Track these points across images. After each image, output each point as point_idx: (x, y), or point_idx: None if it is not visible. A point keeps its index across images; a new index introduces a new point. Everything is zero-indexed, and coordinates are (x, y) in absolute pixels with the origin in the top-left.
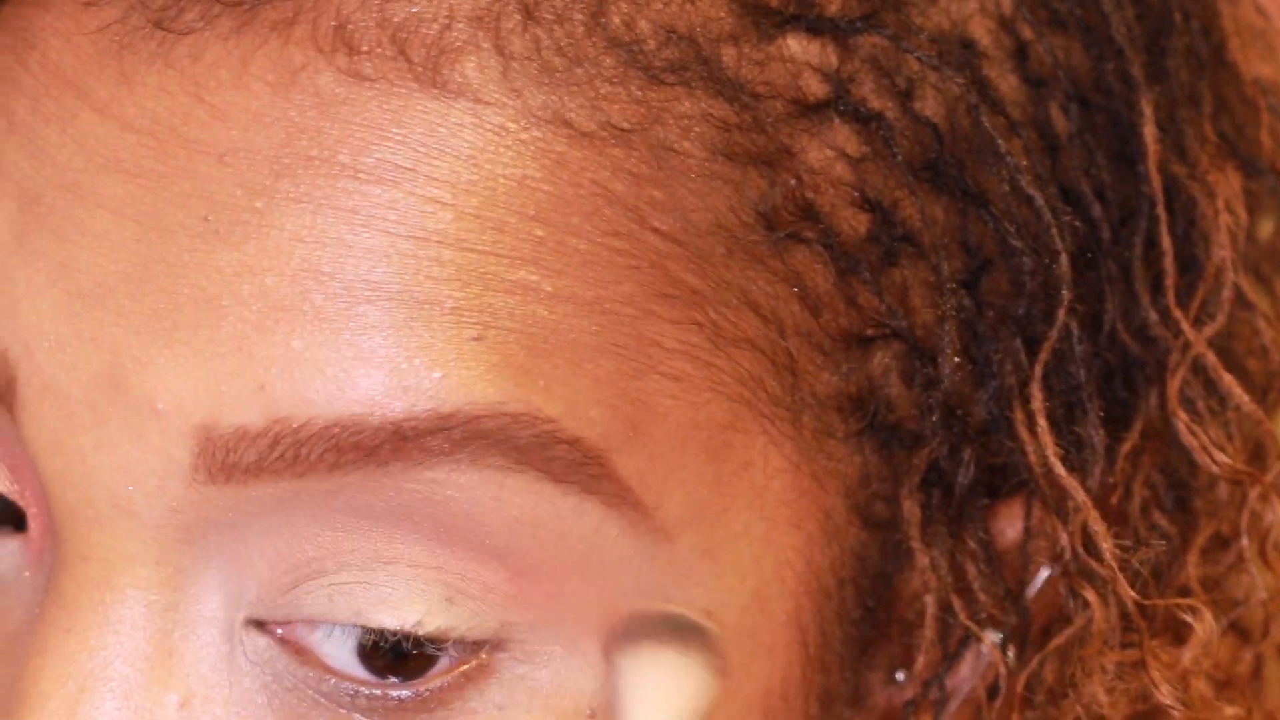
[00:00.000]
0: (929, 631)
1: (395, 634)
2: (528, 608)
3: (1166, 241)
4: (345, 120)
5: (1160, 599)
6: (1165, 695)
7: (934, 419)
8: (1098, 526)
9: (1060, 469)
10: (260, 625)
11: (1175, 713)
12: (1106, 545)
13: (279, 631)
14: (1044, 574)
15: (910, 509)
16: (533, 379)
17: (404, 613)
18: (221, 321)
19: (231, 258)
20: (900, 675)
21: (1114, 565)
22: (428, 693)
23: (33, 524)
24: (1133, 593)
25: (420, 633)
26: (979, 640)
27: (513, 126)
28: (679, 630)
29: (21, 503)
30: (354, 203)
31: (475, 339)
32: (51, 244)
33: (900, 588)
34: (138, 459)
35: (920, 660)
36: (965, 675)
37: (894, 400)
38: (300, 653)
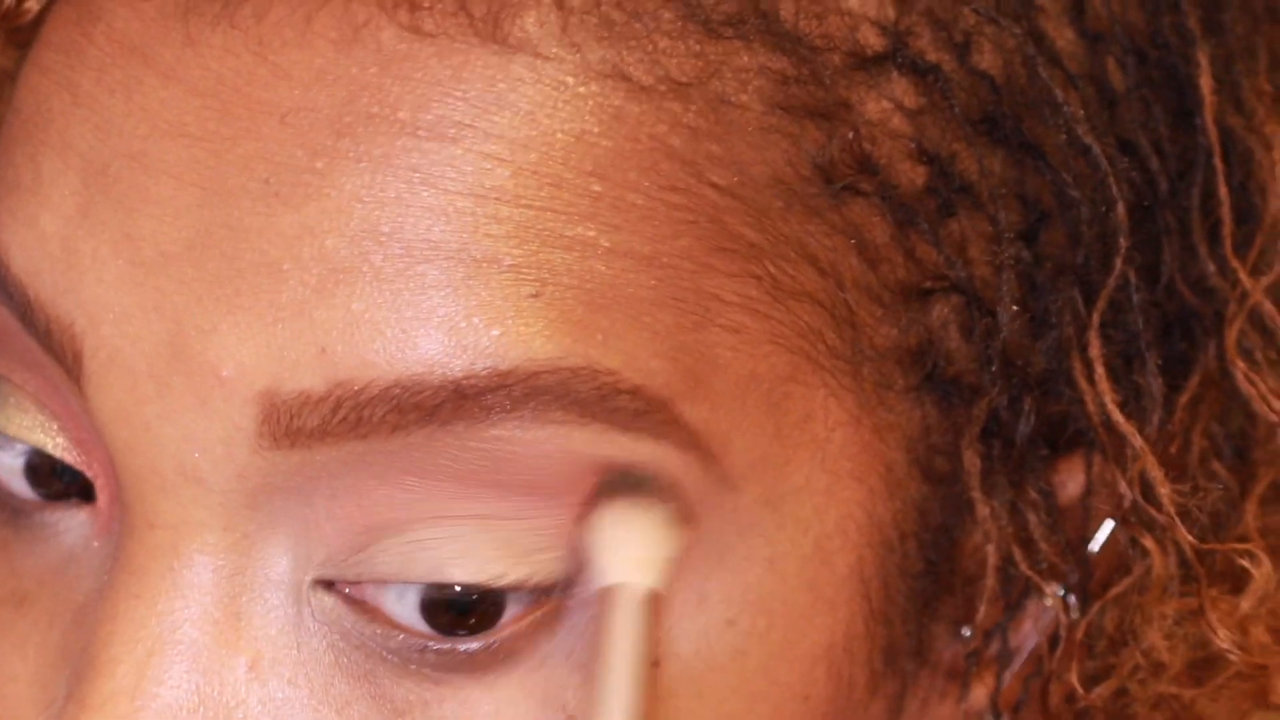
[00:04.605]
0: (990, 582)
1: (472, 588)
2: None
3: (1223, 192)
4: (406, 76)
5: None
6: (1223, 640)
7: (993, 369)
8: (1155, 472)
9: (1118, 415)
10: (328, 585)
11: (1233, 657)
12: (1165, 490)
13: (346, 590)
14: (1108, 527)
15: (970, 459)
16: (591, 333)
17: (481, 567)
18: (282, 286)
19: (292, 220)
20: (965, 631)
21: (1172, 511)
22: (497, 643)
23: (100, 494)
24: (1190, 538)
25: (497, 585)
26: (1040, 592)
27: (571, 81)
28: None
29: (89, 473)
30: (413, 160)
31: (533, 295)
32: (116, 214)
33: (961, 542)
34: (203, 427)
35: (982, 612)
36: (1027, 628)
37: (953, 353)
38: (367, 611)
